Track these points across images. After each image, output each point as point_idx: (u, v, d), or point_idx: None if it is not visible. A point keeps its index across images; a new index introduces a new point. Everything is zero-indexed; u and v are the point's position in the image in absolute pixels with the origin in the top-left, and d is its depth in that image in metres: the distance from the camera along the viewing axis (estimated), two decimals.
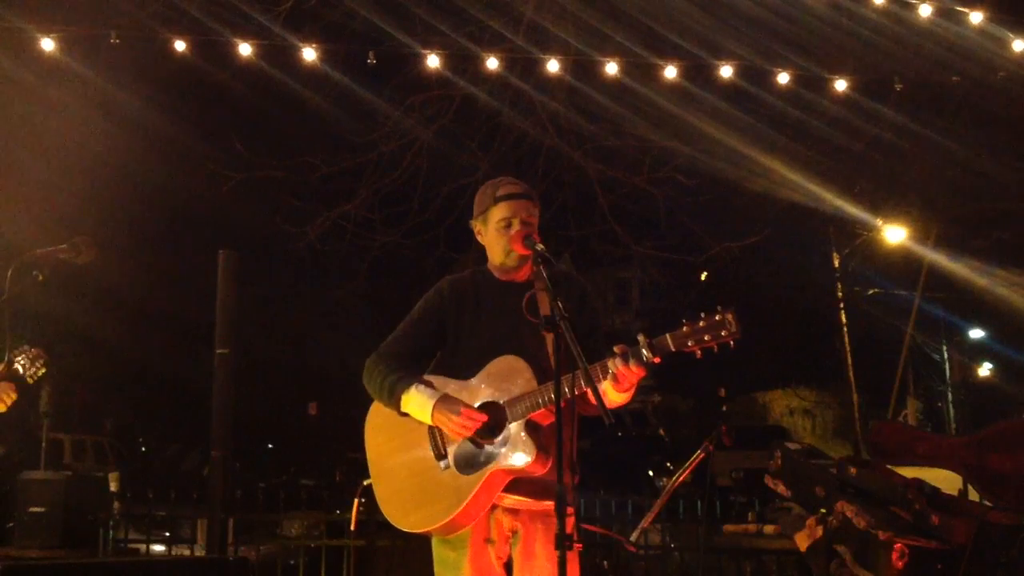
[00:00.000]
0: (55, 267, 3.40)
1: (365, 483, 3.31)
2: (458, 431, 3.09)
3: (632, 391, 3.01)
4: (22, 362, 3.41)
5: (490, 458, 3.07)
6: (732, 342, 2.84)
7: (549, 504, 2.98)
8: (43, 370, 3.36)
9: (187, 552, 7.75)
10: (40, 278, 3.36)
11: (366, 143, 8.95)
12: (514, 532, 3.17)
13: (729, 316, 2.84)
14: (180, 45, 7.85)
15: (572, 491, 3.21)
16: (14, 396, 3.34)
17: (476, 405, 3.11)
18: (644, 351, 2.89)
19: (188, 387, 20.91)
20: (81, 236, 3.48)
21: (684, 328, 2.87)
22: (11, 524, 7.20)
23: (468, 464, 3.10)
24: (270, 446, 24.74)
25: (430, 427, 3.18)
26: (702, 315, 2.87)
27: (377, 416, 3.33)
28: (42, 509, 6.93)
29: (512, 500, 3.13)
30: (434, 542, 3.23)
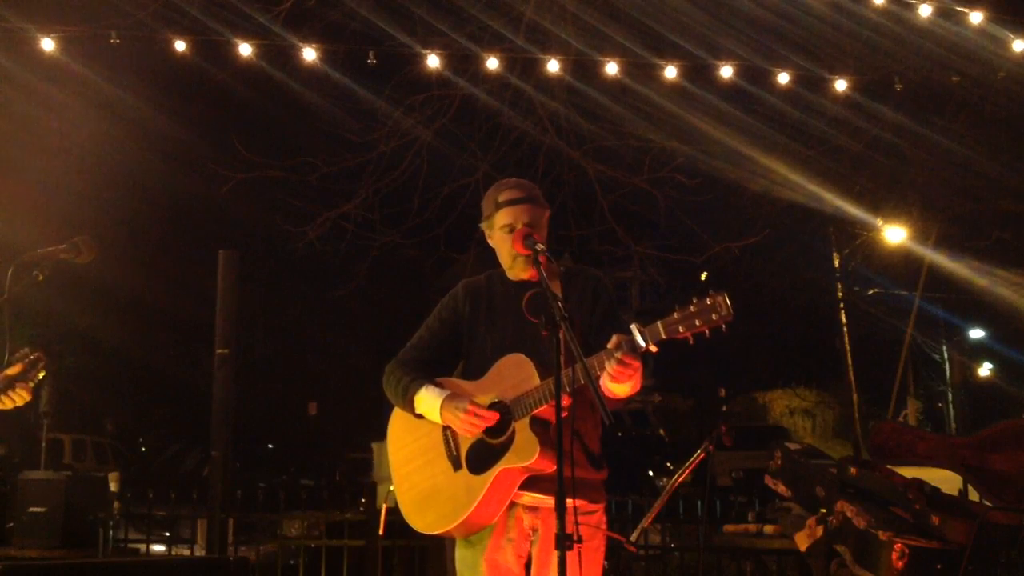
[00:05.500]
0: (55, 267, 3.39)
1: (391, 488, 3.32)
2: (466, 428, 3.10)
3: (634, 382, 2.97)
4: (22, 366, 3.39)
5: (498, 457, 3.06)
6: (724, 325, 2.80)
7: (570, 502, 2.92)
8: (42, 373, 3.35)
9: (187, 552, 7.76)
10: (40, 278, 3.34)
11: (366, 143, 8.92)
12: (535, 530, 3.16)
13: (720, 299, 2.80)
14: (180, 45, 7.86)
15: (600, 487, 3.21)
16: (28, 398, 3.33)
17: (484, 405, 3.12)
18: (636, 339, 2.87)
19: (188, 387, 20.93)
20: (81, 236, 3.46)
21: (675, 314, 2.85)
22: (11, 524, 7.22)
23: (479, 464, 3.10)
24: (270, 446, 24.70)
25: (444, 429, 3.19)
26: (693, 300, 2.84)
27: (397, 421, 3.35)
28: (42, 509, 6.95)
29: (530, 497, 3.12)
30: (456, 542, 3.24)
